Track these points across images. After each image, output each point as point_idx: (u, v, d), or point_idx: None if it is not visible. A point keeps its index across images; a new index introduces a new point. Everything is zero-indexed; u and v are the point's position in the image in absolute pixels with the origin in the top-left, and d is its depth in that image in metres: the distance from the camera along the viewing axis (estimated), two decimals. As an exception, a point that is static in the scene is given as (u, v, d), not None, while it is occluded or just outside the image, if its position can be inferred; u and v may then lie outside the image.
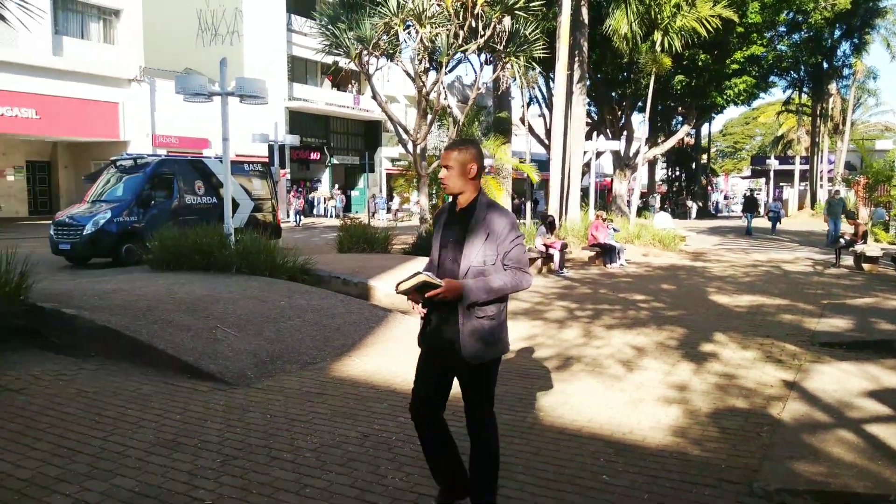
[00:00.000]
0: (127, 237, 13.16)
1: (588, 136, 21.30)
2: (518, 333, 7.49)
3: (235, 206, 13.33)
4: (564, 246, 13.14)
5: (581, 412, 4.86)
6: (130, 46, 26.84)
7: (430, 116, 12.95)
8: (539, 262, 12.87)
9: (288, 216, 27.88)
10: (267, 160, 22.47)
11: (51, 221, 13.84)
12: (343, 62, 13.74)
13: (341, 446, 4.16)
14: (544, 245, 12.89)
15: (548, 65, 19.47)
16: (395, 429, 4.49)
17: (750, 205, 27.83)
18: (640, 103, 29.93)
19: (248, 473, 3.74)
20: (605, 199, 34.09)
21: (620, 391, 5.39)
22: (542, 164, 22.99)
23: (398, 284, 2.89)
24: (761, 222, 29.60)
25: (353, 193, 39.43)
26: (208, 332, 6.46)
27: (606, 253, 14.35)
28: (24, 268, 6.94)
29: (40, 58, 23.25)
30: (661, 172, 53.88)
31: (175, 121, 27.00)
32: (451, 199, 3.10)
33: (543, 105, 27.39)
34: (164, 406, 4.89)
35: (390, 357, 6.44)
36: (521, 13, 12.03)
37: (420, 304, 2.98)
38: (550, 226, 13.34)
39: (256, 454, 4.02)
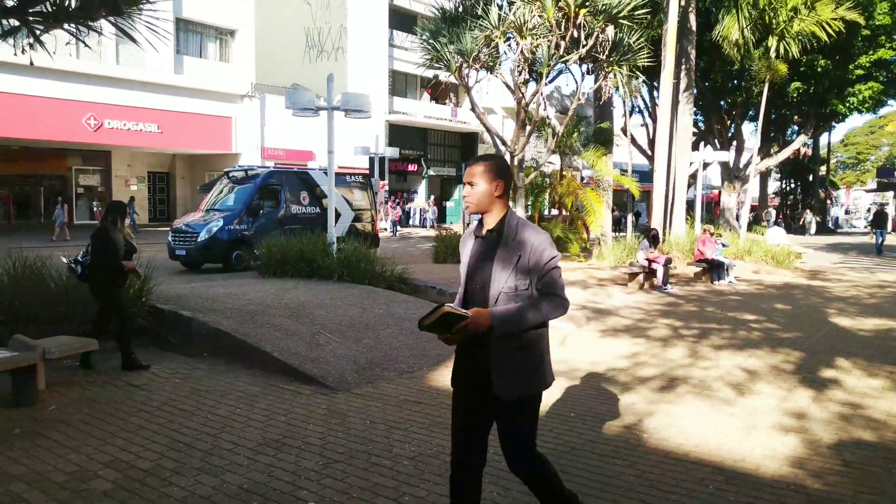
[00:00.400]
0: (237, 244, 13.90)
1: (694, 147, 20.37)
2: (619, 351, 7.27)
3: (337, 216, 13.76)
4: (669, 261, 12.62)
5: (688, 436, 4.62)
6: (243, 64, 28.47)
7: (528, 127, 12.86)
8: (641, 277, 12.44)
9: (384, 226, 28.54)
10: (367, 172, 23.11)
11: (169, 228, 14.83)
12: (443, 75, 13.92)
13: (439, 456, 4.15)
14: (647, 259, 12.44)
15: (652, 73, 18.90)
16: (493, 442, 4.43)
17: (879, 220, 25.35)
18: (751, 112, 28.42)
19: (348, 477, 3.80)
20: (712, 212, 32.57)
21: (731, 416, 5.08)
22: (644, 175, 22.32)
23: (421, 320, 2.54)
24: (891, 239, 27.25)
25: (449, 204, 39.82)
26: (311, 337, 6.67)
27: (714, 269, 13.67)
28: (147, 272, 7.45)
29: (163, 76, 25.08)
30: (774, 185, 50.90)
31: (282, 134, 28.33)
32: (478, 220, 2.83)
33: (646, 114, 26.61)
34: (270, 407, 5.07)
35: (487, 369, 6.39)
36: (624, 22, 11.74)
37: (452, 341, 2.63)
38: (654, 239, 12.87)
39: (357, 459, 4.09)
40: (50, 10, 7.49)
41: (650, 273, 12.48)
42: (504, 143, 13.26)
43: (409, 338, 7.09)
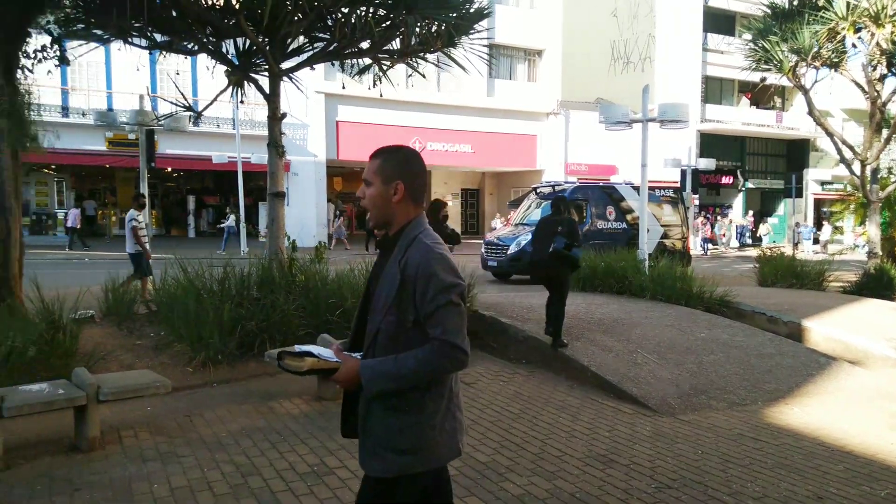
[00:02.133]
0: (544, 257, 14.29)
1: None
2: None
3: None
4: None
5: None
6: (549, 82, 29.41)
7: (885, 131, 10.91)
8: None
9: (700, 244, 26.97)
10: (678, 185, 21.97)
11: (481, 241, 15.91)
12: (772, 77, 12.59)
13: (789, 502, 3.66)
14: None
15: None
16: (858, 497, 3.77)
17: None
18: None
19: (685, 509, 3.55)
20: None
21: None
22: None
23: (283, 359, 2.05)
24: None
25: (772, 220, 35.76)
26: (629, 356, 6.49)
27: None
28: (472, 280, 8.04)
29: (477, 100, 27.21)
30: None
31: (585, 149, 28.58)
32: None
33: None
34: (592, 421, 5.03)
35: (837, 412, 5.52)
36: None
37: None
38: None
39: (691, 488, 3.81)
40: (397, 48, 8.67)
41: None
42: (852, 149, 11.44)
43: (738, 367, 6.47)
